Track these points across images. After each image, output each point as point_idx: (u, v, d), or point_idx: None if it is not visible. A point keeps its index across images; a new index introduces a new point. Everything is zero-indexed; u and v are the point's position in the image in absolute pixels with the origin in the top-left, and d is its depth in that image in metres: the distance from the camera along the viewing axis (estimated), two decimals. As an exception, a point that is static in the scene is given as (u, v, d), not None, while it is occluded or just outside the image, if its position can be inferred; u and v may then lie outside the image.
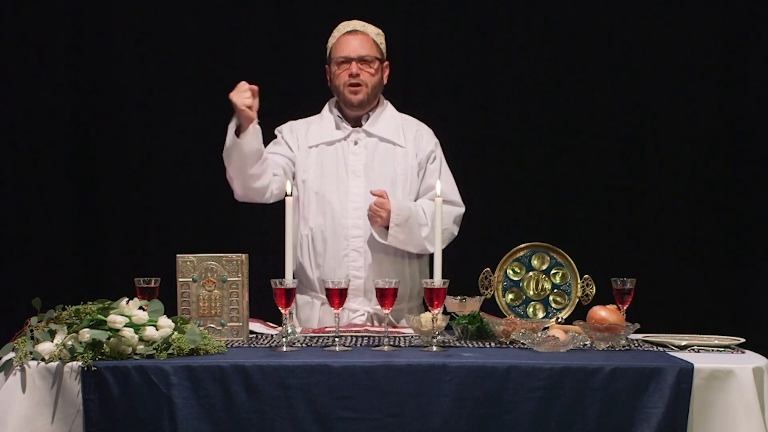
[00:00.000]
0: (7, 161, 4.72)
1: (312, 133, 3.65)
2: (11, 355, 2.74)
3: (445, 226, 3.51)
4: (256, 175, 3.48)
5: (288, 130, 3.68)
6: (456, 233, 3.64)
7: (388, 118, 3.67)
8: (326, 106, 3.71)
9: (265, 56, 4.78)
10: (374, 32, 3.65)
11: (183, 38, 4.77)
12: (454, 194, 3.65)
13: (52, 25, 4.72)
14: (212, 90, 4.76)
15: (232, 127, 3.43)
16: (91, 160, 4.77)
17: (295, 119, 3.73)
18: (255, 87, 3.37)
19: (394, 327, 3.38)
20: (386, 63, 3.66)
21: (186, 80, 4.77)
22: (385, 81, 3.66)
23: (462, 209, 3.65)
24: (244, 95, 3.36)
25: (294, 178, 3.62)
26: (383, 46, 3.66)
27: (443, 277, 2.91)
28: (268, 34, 4.78)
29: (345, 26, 3.65)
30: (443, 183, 3.46)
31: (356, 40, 3.60)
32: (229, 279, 3.06)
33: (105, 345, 2.71)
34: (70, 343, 2.70)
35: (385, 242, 3.48)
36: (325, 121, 3.67)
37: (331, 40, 3.65)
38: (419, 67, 4.76)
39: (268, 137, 3.73)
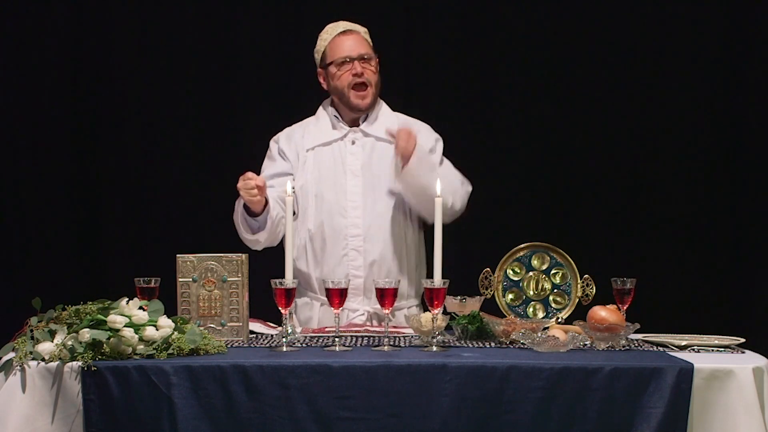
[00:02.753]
0: (7, 161, 4.72)
1: (309, 136, 3.64)
2: (11, 355, 2.74)
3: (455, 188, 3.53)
4: (274, 234, 3.52)
5: (285, 140, 3.66)
6: (468, 191, 3.64)
7: (385, 118, 3.66)
8: (320, 108, 3.70)
9: (263, 58, 4.78)
10: (362, 31, 3.65)
11: (183, 37, 4.76)
12: (460, 176, 3.65)
13: (52, 24, 4.71)
14: (212, 90, 4.78)
15: (240, 204, 3.45)
16: (91, 160, 4.77)
17: (290, 122, 3.72)
18: (261, 180, 3.37)
19: (396, 326, 3.37)
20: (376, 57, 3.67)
21: (186, 80, 4.77)
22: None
23: (470, 188, 3.65)
24: (251, 192, 3.35)
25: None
26: (371, 42, 3.65)
27: (443, 277, 2.91)
28: (266, 35, 4.78)
29: (334, 28, 3.63)
30: (448, 172, 3.46)
31: (351, 39, 3.59)
32: (229, 279, 3.06)
33: (105, 345, 2.71)
34: (70, 343, 2.70)
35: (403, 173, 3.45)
36: (321, 122, 3.66)
37: (322, 44, 3.62)
38: (419, 67, 4.76)
39: (266, 140, 3.74)
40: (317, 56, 3.65)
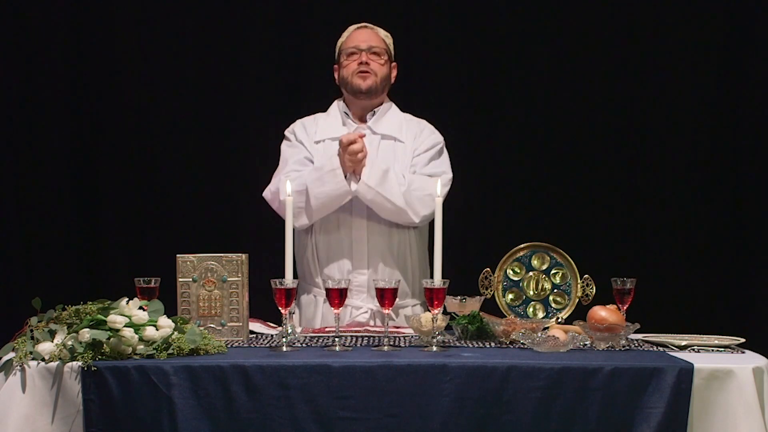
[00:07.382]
0: (7, 161, 4.72)
1: (319, 129, 3.67)
2: (11, 355, 2.74)
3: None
4: None
5: (301, 129, 3.68)
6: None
7: (392, 116, 3.69)
8: (333, 105, 3.74)
9: (267, 59, 4.78)
10: (383, 33, 3.72)
11: (183, 38, 4.77)
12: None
13: (52, 23, 4.71)
14: (212, 90, 4.78)
15: (336, 170, 3.42)
16: (91, 159, 4.77)
17: (289, 123, 3.74)
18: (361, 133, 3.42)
19: (397, 326, 3.38)
20: (394, 63, 3.72)
21: (186, 80, 4.77)
22: (392, 80, 3.71)
23: (450, 175, 3.64)
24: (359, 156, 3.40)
25: None
26: (391, 48, 3.72)
27: (443, 277, 2.91)
28: (269, 36, 4.79)
29: (354, 26, 3.71)
30: (422, 183, 3.48)
31: (365, 33, 3.66)
32: (229, 279, 3.06)
33: (105, 345, 2.71)
34: (70, 343, 2.70)
35: (357, 186, 3.44)
36: (331, 117, 3.70)
37: (340, 41, 3.71)
38: (419, 67, 4.76)
39: (272, 137, 3.75)
40: (336, 52, 3.72)
